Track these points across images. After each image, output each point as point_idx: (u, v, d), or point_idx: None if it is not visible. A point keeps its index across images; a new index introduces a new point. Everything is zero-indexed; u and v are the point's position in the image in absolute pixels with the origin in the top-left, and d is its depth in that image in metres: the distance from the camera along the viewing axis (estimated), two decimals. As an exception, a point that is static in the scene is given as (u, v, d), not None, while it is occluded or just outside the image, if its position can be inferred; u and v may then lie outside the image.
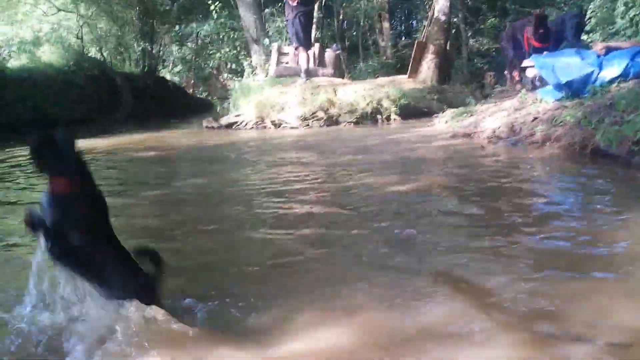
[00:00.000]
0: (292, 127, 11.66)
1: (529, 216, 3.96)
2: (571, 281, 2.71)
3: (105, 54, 20.77)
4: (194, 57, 24.15)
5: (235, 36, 19.39)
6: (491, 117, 8.47)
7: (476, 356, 2.06)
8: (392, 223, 3.88)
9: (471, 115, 9.10)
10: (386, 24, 25.06)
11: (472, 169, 5.94)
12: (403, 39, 32.58)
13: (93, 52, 20.94)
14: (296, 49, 12.75)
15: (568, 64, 7.50)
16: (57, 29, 19.33)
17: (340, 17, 25.58)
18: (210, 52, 21.53)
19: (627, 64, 7.07)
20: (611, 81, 7.11)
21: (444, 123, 9.65)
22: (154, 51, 21.80)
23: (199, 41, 22.90)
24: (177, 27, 21.47)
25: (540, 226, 3.62)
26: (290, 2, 12.15)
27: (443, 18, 14.17)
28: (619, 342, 2.07)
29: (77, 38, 19.76)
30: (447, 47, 15.19)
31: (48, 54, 18.58)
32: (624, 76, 7.07)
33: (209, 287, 2.80)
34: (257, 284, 2.89)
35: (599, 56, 7.44)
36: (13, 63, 17.52)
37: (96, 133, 12.55)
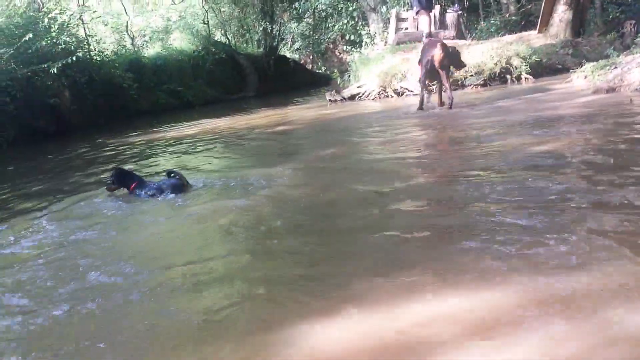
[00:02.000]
0: (415, 95, 11.45)
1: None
2: None
3: (229, 37, 21.68)
4: (312, 33, 24.44)
5: (353, 7, 19.30)
6: (638, 69, 7.72)
7: None
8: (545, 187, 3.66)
9: (615, 67, 8.36)
10: (508, -21, 23.58)
11: (622, 126, 5.45)
12: (527, -7, 30.48)
13: (218, 35, 21.94)
14: (417, 13, 12.42)
15: None
16: (184, 16, 20.48)
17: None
18: (329, 24, 21.62)
19: None
20: None
21: (583, 79, 8.96)
22: (274, 30, 22.35)
23: (316, 16, 23.08)
24: (295, 4, 21.78)
25: None
26: None
27: (575, -36, 13.06)
28: None
29: (204, 23, 20.79)
30: (581, -3, 14.01)
31: (179, 41, 19.78)
32: None
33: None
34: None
35: None
36: (148, 51, 18.85)
37: (228, 113, 13.21)
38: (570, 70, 10.04)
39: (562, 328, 1.95)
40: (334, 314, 2.26)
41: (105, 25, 18.40)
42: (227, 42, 21.41)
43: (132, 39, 19.23)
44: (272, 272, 2.84)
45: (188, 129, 10.92)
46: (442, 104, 8.74)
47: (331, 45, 26.52)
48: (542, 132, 5.50)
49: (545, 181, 3.66)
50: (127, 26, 19.16)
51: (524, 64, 11.20)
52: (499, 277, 2.40)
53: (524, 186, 3.62)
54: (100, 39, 16.72)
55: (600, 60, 9.34)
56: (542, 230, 2.81)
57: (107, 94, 14.32)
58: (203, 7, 20.95)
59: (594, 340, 1.88)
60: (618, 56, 9.11)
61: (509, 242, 2.72)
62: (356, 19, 19.60)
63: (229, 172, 5.70)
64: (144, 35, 19.90)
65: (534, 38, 13.05)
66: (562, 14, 13.09)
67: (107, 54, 16.15)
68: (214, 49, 19.62)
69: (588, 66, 9.16)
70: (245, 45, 22.58)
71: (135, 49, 18.69)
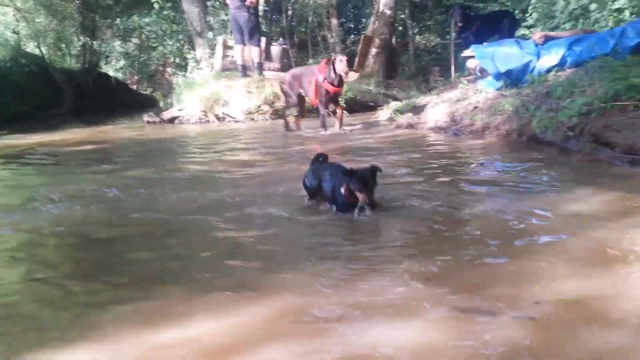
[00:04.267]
0: (236, 121, 11.45)
1: (464, 194, 3.92)
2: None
3: (43, 49, 19.92)
4: (138, 53, 23.48)
5: (179, 29, 18.92)
6: (433, 109, 8.49)
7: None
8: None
9: (414, 107, 9.10)
10: (334, 21, 24.96)
11: (415, 155, 5.89)
12: (352, 36, 32.62)
13: (31, 47, 20.04)
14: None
15: (507, 54, 7.56)
16: (-9, 23, 18.44)
17: (289, 12, 25.38)
18: (153, 45, 20.93)
19: (564, 53, 7.18)
20: (549, 70, 7.21)
21: (388, 115, 9.63)
22: (95, 46, 21.08)
23: (142, 35, 22.25)
24: (118, 21, 20.76)
25: (475, 203, 3.59)
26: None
27: (388, 12, 14.22)
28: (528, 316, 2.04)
29: (14, 32, 18.89)
30: (393, 42, 15.26)
31: (-18, 50, 17.68)
32: (561, 65, 7.18)
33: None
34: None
35: (537, 45, 7.53)
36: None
37: (35, 129, 11.99)
38: (378, 108, 10.75)
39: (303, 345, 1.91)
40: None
41: None
42: (41, 54, 19.63)
43: None
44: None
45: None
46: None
47: (161, 68, 25.69)
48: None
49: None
50: None
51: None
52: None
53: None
54: None
55: (403, 101, 10.13)
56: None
57: None
58: (14, 15, 19.05)
59: (331, 357, 1.87)
60: (418, 97, 9.95)
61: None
62: (182, 42, 19.23)
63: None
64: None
65: (352, 76, 13.81)
66: (376, 56, 14.12)
67: None
68: (24, 61, 17.86)
69: (393, 104, 9.87)
70: (62, 59, 20.91)
71: None
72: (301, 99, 9.01)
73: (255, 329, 2.09)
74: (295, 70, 9.64)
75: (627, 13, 8.63)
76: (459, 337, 1.94)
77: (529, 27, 13.94)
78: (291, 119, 9.17)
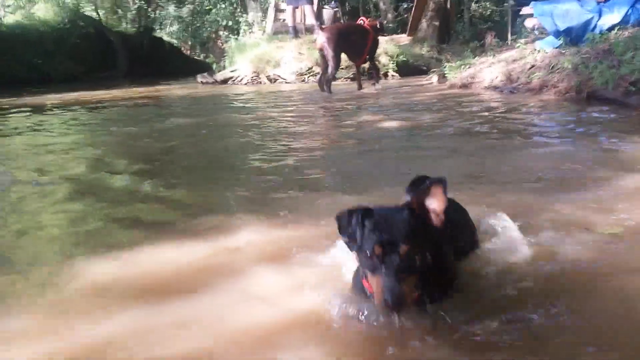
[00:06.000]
0: (287, 82, 11.53)
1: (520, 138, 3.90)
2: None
3: (100, 13, 20.42)
4: (191, 18, 23.75)
5: (232, -7, 19.04)
6: (489, 68, 8.33)
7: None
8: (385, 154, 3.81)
9: (469, 67, 8.96)
10: (387, -14, 24.57)
11: (467, 110, 5.85)
12: (404, 4, 32.00)
13: (88, 10, 20.56)
14: (295, 7, 12.45)
15: (567, 11, 7.32)
16: (52, -14, 18.95)
17: (341, -22, 25.08)
18: (207, 8, 21.12)
19: (627, 11, 6.92)
20: (610, 28, 6.95)
21: (442, 77, 9.51)
22: (150, 11, 21.44)
23: (196, 1, 22.49)
24: (174, -14, 21.07)
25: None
26: None
27: (443, -25, 13.89)
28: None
29: (72, -5, 19.41)
30: (448, 6, 14.93)
31: (43, 11, 18.25)
32: (623, 23, 6.93)
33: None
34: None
35: (598, 3, 7.25)
36: (7, 20, 17.23)
37: (93, 87, 12.41)
38: (431, 71, 10.62)
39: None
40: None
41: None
42: (98, 18, 20.12)
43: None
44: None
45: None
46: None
47: (213, 35, 25.95)
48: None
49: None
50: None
51: (392, 62, 11.67)
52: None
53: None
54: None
55: (457, 61, 9.95)
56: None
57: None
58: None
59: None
60: (474, 57, 9.75)
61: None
62: (235, 6, 19.35)
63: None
64: (8, 6, 18.15)
65: (404, 40, 13.65)
66: (429, 20, 13.84)
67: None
68: (81, 23, 18.36)
69: (446, 65, 9.73)
70: (118, 22, 21.38)
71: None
72: None
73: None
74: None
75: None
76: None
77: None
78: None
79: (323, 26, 9.10)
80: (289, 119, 5.82)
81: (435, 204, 1.49)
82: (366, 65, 9.48)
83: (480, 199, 2.48)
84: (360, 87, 8.98)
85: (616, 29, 6.92)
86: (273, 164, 3.58)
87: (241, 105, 7.74)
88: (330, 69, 8.23)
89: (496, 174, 3.11)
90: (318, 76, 8.84)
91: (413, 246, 1.41)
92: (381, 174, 3.25)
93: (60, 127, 6.12)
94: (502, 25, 22.13)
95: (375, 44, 8.80)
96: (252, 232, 2.27)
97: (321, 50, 8.29)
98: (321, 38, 8.20)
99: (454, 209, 1.80)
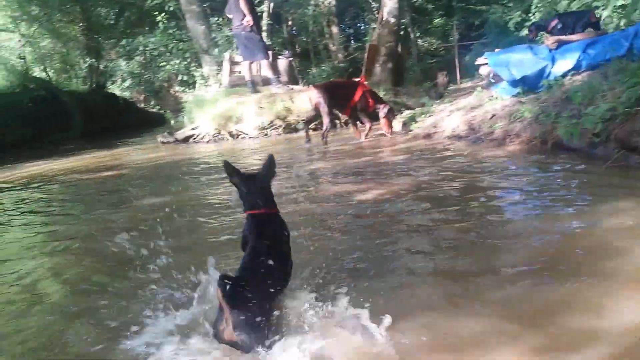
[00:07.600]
0: (250, 137, 11.54)
1: (491, 206, 3.97)
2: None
3: (50, 73, 20.11)
4: (142, 71, 23.65)
5: (184, 47, 19.09)
6: (449, 117, 8.55)
7: None
8: (357, 231, 3.80)
9: (430, 115, 9.17)
10: (335, 29, 25.16)
11: (439, 168, 5.92)
12: (352, 42, 32.83)
13: (37, 71, 20.24)
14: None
15: (521, 60, 7.64)
16: (-3, 50, 18.65)
17: (289, 23, 25.56)
18: (160, 64, 21.10)
19: (579, 57, 7.26)
20: (564, 74, 7.28)
21: (404, 125, 9.69)
22: (101, 67, 21.25)
23: (147, 54, 22.42)
24: (123, 41, 20.96)
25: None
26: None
27: (392, 20, 14.28)
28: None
29: (20, 58, 19.09)
30: (399, 49, 15.33)
31: (-10, 76, 17.87)
32: (576, 69, 7.26)
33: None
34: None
35: (550, 50, 7.60)
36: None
37: (48, 155, 12.10)
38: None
39: None
40: None
41: None
42: (48, 78, 19.80)
43: None
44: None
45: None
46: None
47: (165, 84, 25.86)
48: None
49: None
50: None
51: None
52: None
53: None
54: None
55: (417, 109, 10.19)
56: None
57: None
58: (19, 41, 19.26)
59: None
60: (432, 105, 10.01)
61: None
62: (188, 60, 19.39)
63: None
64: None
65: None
66: (383, 64, 14.18)
67: None
68: (32, 85, 18.03)
69: (406, 113, 9.94)
70: (69, 81, 21.08)
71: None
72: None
73: None
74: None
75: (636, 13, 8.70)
76: None
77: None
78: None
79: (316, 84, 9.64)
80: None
81: None
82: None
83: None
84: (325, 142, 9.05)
85: (569, 74, 7.26)
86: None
87: (208, 172, 7.62)
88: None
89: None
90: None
91: None
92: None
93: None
94: (449, 59, 22.91)
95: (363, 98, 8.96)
96: None
97: (316, 107, 8.74)
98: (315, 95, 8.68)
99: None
